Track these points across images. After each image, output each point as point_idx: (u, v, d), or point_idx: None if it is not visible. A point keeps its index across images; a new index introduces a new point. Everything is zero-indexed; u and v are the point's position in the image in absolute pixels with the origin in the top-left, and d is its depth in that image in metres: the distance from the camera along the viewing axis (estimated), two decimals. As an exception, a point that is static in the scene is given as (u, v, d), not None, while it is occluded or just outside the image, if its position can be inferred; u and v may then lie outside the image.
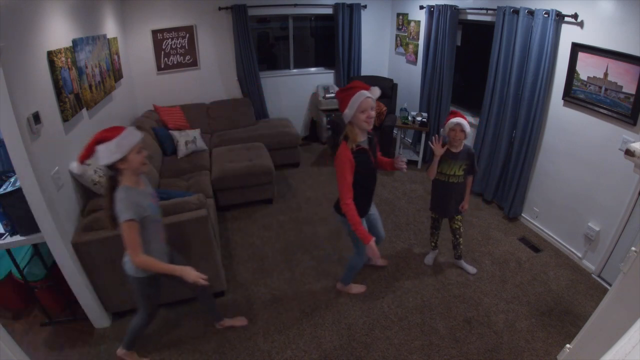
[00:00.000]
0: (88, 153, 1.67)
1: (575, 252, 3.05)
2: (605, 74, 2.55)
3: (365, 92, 1.97)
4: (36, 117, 1.95)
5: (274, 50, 5.73)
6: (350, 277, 2.69)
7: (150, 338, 2.39)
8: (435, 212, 2.87)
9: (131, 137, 1.71)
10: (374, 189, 2.29)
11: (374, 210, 2.48)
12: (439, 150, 2.49)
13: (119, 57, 3.83)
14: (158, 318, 2.53)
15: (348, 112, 2.00)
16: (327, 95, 5.15)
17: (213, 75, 4.98)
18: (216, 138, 4.54)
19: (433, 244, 3.02)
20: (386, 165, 2.30)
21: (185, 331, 2.45)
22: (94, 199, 2.38)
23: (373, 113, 1.99)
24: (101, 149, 1.64)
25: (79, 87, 2.60)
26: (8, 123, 1.75)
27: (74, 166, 1.70)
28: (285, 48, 5.42)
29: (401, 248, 3.19)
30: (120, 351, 2.20)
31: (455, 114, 2.54)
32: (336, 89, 5.31)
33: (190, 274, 1.81)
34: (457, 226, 2.82)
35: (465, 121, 2.49)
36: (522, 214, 3.58)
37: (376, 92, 2.02)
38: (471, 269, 2.91)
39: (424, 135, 4.59)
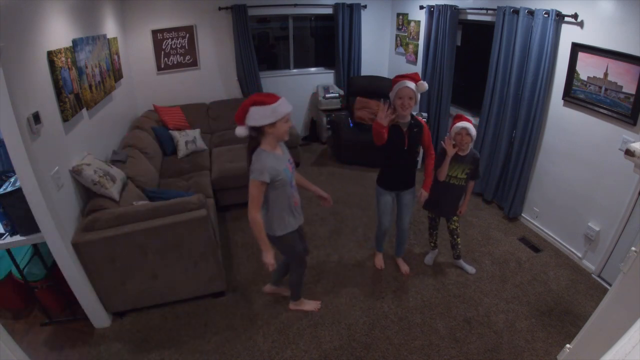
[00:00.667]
0: (243, 113, 1.82)
1: (575, 252, 3.05)
2: (605, 74, 2.55)
3: (406, 82, 2.26)
4: (36, 117, 1.94)
5: (274, 50, 5.73)
6: (377, 245, 2.97)
7: (150, 338, 2.40)
8: (431, 212, 2.88)
9: (285, 106, 1.85)
10: (402, 168, 2.51)
11: (407, 197, 2.62)
12: (451, 150, 2.53)
13: (119, 57, 3.83)
14: (158, 317, 2.54)
15: (390, 95, 2.34)
16: (327, 95, 5.15)
17: (213, 75, 4.98)
18: (216, 138, 4.54)
19: (432, 244, 3.02)
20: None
21: (186, 331, 2.45)
22: (94, 199, 2.38)
23: (410, 102, 2.28)
24: (256, 110, 1.80)
25: (79, 87, 2.60)
26: (8, 123, 1.75)
27: (239, 130, 1.87)
28: (285, 48, 5.42)
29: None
30: (292, 305, 2.58)
31: (460, 118, 2.55)
32: (336, 88, 5.32)
33: (267, 257, 2.00)
34: (455, 227, 2.82)
35: (470, 125, 2.50)
36: (522, 214, 3.58)
37: (423, 86, 2.31)
38: (470, 269, 2.91)
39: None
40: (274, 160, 1.89)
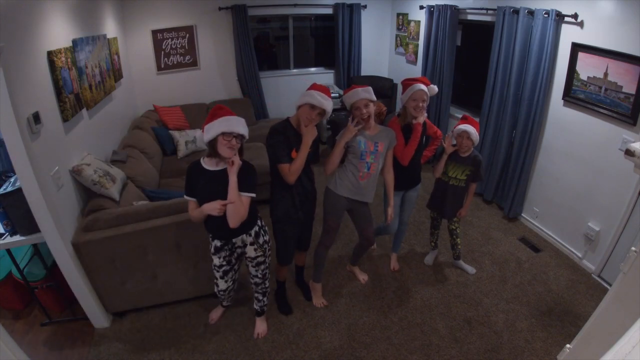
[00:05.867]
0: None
1: (575, 252, 3.05)
2: (605, 74, 2.55)
3: (421, 85, 2.29)
4: (36, 117, 1.94)
5: (274, 50, 5.74)
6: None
7: (150, 338, 2.40)
8: (434, 211, 2.88)
9: (349, 97, 2.18)
10: (411, 167, 2.48)
11: (412, 194, 2.65)
12: (449, 148, 2.54)
13: (119, 57, 3.83)
14: (158, 317, 2.54)
15: (403, 97, 2.37)
16: (327, 95, 5.14)
17: (213, 75, 4.98)
18: (216, 138, 4.53)
19: (433, 243, 3.02)
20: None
21: (186, 331, 2.44)
22: (94, 199, 2.37)
23: (424, 105, 2.30)
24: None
25: (79, 87, 2.60)
26: (8, 123, 1.74)
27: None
28: (285, 48, 5.42)
29: (401, 248, 3.19)
30: (310, 283, 2.69)
31: (465, 120, 2.52)
32: (336, 89, 5.32)
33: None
34: (455, 227, 2.82)
35: (472, 128, 2.46)
36: (522, 214, 3.58)
37: (433, 89, 2.35)
38: (470, 269, 2.91)
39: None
40: (360, 133, 2.20)
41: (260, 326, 2.44)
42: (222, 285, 2.23)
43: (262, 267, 2.22)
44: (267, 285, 2.34)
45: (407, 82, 2.35)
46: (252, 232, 2.09)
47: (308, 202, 2.26)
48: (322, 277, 2.68)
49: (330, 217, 2.38)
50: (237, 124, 1.87)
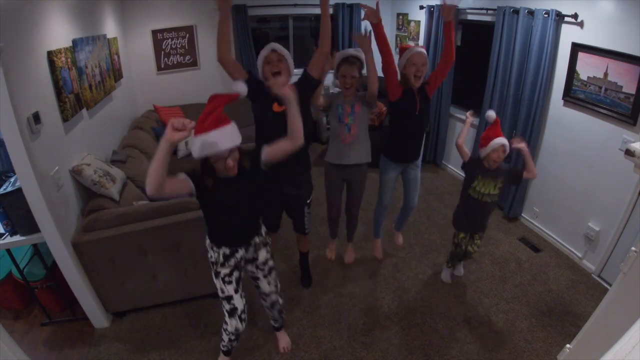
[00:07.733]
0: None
1: (575, 252, 3.05)
2: (605, 74, 2.55)
3: (417, 49, 2.25)
4: (36, 117, 1.95)
5: (274, 50, 5.73)
6: (376, 228, 2.96)
7: (150, 338, 2.40)
8: (463, 231, 2.53)
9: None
10: (411, 136, 2.48)
11: (414, 172, 2.62)
12: (470, 120, 2.47)
13: (119, 57, 3.83)
14: (158, 317, 2.54)
15: (400, 63, 2.33)
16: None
17: (213, 75, 4.97)
18: (216, 138, 4.53)
19: (449, 263, 2.76)
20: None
21: (185, 331, 2.44)
22: (94, 199, 2.37)
23: (424, 69, 2.25)
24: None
25: (79, 87, 2.60)
26: (8, 123, 1.74)
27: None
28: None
29: (401, 248, 3.19)
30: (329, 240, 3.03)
31: (496, 130, 2.24)
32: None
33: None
34: (474, 250, 2.57)
35: (505, 140, 2.23)
36: (522, 214, 3.58)
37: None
38: (445, 277, 2.83)
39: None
40: (338, 98, 2.39)
41: (283, 339, 2.29)
42: (239, 303, 1.82)
43: (274, 272, 1.99)
44: (282, 298, 2.14)
45: (405, 47, 2.37)
46: (262, 231, 1.88)
47: (294, 163, 2.02)
48: (336, 234, 3.00)
49: (329, 191, 2.55)
50: (223, 139, 1.44)
